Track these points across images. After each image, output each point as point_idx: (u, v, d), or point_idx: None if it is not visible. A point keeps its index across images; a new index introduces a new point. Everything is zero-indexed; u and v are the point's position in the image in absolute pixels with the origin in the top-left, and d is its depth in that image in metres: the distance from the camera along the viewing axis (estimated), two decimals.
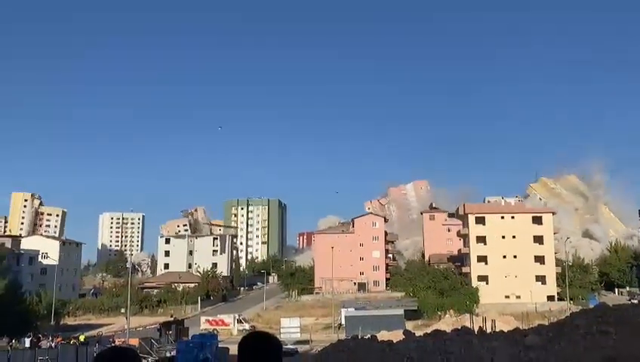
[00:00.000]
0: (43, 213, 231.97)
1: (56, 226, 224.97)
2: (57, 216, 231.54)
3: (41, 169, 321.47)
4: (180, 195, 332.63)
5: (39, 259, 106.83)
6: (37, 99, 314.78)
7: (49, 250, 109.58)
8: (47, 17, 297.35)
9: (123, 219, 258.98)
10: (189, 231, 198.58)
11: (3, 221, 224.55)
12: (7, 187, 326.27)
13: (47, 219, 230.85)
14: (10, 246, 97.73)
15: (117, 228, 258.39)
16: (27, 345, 55.18)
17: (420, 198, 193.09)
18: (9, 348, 49.85)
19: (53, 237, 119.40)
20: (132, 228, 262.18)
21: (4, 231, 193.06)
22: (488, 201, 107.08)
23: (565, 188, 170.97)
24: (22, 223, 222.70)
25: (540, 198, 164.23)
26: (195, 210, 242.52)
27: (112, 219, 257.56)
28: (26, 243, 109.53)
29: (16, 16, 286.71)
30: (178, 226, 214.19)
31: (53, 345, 53.86)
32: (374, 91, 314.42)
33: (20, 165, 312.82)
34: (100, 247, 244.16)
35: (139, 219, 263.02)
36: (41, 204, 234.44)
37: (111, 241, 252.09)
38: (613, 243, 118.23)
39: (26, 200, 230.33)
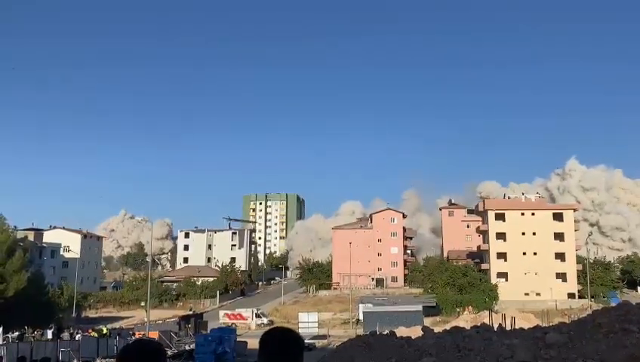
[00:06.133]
0: None
1: None
2: None
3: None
4: (198, 192, 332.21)
5: (61, 252, 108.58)
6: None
7: (71, 244, 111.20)
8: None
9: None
10: None
11: None
12: None
13: None
14: (32, 240, 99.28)
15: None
16: (49, 336, 56.08)
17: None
18: (32, 339, 50.71)
19: (74, 231, 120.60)
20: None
21: None
22: (508, 197, 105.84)
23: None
24: None
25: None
26: None
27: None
28: (48, 237, 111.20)
29: None
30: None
31: (76, 337, 54.67)
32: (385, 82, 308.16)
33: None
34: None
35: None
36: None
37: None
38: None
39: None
